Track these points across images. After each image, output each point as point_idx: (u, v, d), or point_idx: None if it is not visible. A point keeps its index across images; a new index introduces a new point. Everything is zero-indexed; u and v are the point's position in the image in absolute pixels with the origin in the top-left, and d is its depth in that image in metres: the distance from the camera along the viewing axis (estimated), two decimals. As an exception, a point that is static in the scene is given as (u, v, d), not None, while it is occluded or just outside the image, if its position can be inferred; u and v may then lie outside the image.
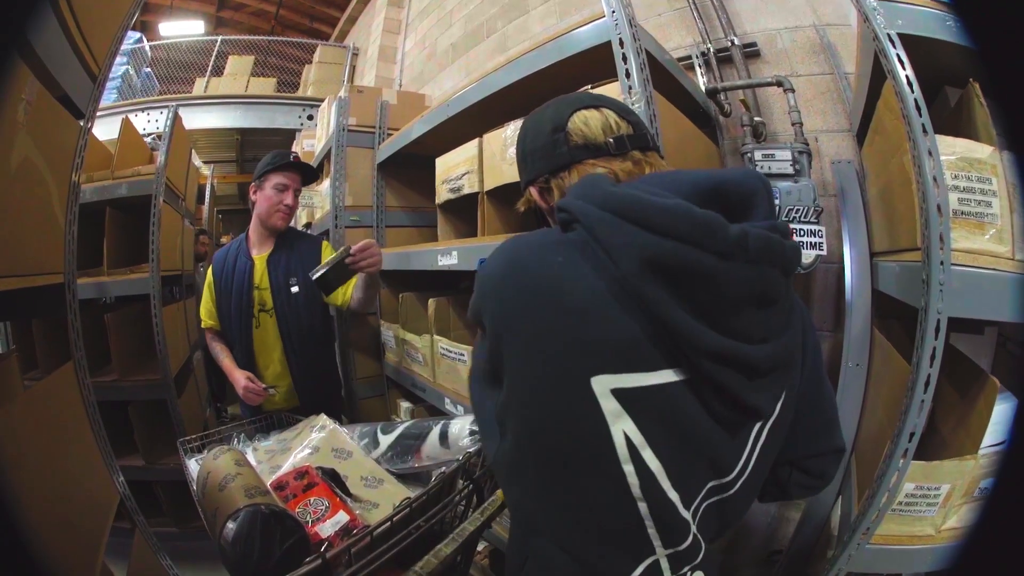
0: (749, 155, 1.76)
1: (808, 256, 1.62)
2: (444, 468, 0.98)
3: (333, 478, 1.05)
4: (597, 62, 1.29)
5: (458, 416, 1.16)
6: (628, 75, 1.20)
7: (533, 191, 0.80)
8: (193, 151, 3.43)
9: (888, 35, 1.11)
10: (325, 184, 2.74)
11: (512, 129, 1.57)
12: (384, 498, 1.11)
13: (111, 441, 1.32)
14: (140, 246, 2.50)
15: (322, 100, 5.64)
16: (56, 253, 1.19)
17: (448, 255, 1.81)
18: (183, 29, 8.60)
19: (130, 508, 1.36)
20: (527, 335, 0.62)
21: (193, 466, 1.26)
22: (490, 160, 1.68)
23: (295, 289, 1.91)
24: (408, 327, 2.31)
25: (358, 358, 2.58)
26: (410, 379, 2.26)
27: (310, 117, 5.17)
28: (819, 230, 1.62)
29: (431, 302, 2.02)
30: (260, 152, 7.00)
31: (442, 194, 1.96)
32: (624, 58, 1.21)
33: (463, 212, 2.03)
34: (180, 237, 3.00)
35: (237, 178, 7.33)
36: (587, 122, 0.74)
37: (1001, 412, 1.11)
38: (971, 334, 1.53)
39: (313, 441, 1.24)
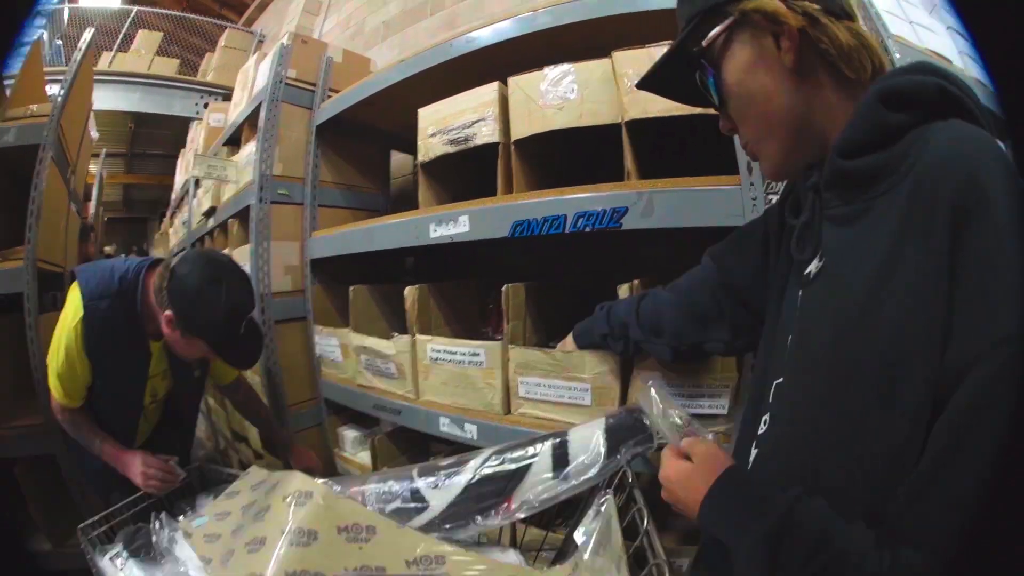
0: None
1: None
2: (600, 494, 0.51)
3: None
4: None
5: (578, 426, 0.68)
6: None
7: None
8: (92, 118, 2.62)
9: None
10: (246, 151, 2.12)
11: (561, 70, 1.21)
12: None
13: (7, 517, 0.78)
14: (19, 231, 1.83)
15: (223, 87, 5.05)
16: None
17: (450, 223, 1.34)
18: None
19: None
20: None
21: (109, 569, 0.73)
22: (522, 106, 1.28)
23: (197, 373, 1.60)
24: (362, 331, 1.76)
25: (287, 379, 1.96)
26: (368, 400, 1.70)
27: (206, 105, 5.11)
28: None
29: (409, 291, 1.50)
30: (150, 148, 6.03)
31: (432, 149, 1.48)
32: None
33: (455, 174, 1.56)
34: (66, 221, 2.14)
35: (125, 178, 6.24)
36: None
37: None
38: None
39: (299, 521, 0.69)
